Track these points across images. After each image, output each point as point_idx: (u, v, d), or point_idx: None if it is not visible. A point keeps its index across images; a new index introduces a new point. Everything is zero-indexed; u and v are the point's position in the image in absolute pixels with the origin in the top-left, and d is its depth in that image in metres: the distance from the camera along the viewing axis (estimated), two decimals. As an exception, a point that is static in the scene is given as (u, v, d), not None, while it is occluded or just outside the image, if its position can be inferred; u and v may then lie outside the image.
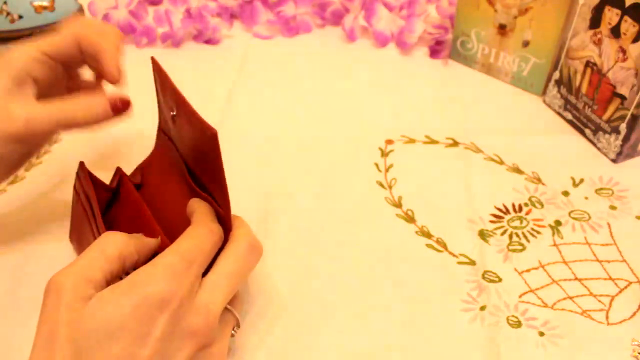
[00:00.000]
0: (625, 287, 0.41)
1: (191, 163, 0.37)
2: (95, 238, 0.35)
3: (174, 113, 0.36)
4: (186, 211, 0.35)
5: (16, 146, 0.38)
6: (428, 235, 0.45)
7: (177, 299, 0.28)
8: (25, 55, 0.39)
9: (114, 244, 0.30)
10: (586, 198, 0.48)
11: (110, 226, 0.38)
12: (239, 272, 0.32)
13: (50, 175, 0.51)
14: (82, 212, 0.39)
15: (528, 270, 0.42)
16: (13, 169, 0.41)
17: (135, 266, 0.31)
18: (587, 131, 0.54)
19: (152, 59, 0.40)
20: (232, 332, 0.33)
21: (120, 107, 0.39)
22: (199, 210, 0.34)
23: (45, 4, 0.66)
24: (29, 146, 0.41)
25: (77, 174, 0.41)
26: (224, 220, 0.34)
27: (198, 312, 0.29)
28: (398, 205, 0.48)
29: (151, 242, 0.33)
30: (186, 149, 0.37)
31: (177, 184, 0.39)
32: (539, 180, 0.50)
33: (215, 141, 0.32)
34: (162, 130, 0.43)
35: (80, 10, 0.71)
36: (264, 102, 0.60)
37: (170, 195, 0.40)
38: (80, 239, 0.41)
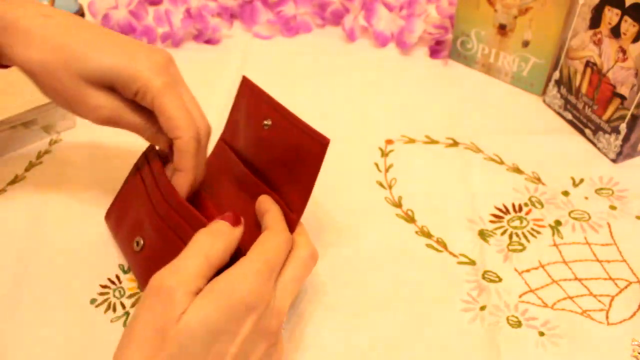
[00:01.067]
0: (625, 287, 0.41)
1: (269, 168, 0.40)
2: (159, 217, 0.39)
3: (269, 123, 0.40)
4: (255, 207, 0.39)
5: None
6: (428, 235, 0.45)
7: (263, 302, 0.31)
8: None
9: (214, 250, 0.32)
10: (586, 198, 0.48)
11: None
12: (302, 277, 0.35)
13: (50, 175, 0.51)
14: (143, 191, 0.42)
15: (528, 270, 0.42)
16: None
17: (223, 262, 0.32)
18: (587, 131, 0.54)
19: (244, 77, 0.45)
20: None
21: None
22: (274, 215, 0.37)
23: (44, 2, 0.66)
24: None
25: (145, 155, 0.44)
26: (292, 224, 0.38)
27: (273, 315, 0.32)
28: (398, 205, 0.48)
29: (236, 233, 0.33)
30: (269, 155, 0.40)
31: (231, 184, 0.43)
32: (539, 180, 0.50)
33: (325, 149, 0.37)
34: (223, 140, 0.46)
35: (80, 10, 0.71)
36: (264, 102, 0.60)
37: (226, 193, 0.43)
38: (124, 218, 0.43)
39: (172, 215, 0.38)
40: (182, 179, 0.39)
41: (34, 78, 0.39)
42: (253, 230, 0.39)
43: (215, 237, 0.32)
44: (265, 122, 0.40)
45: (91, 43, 0.38)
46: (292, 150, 0.39)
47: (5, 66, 0.41)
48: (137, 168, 0.44)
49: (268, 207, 0.38)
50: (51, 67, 0.38)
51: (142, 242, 0.40)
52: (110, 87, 0.39)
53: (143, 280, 0.40)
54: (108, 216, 0.46)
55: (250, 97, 0.43)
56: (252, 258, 0.32)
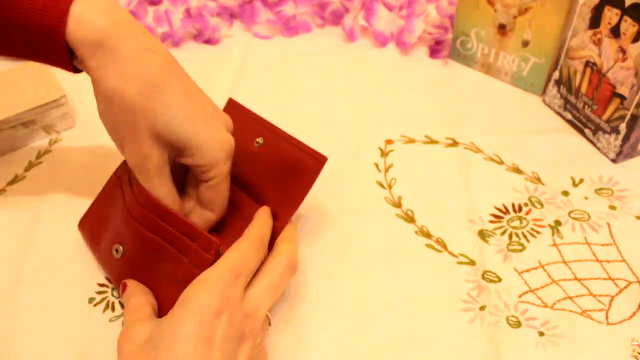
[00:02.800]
0: (625, 287, 0.41)
1: (259, 183, 0.43)
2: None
3: (261, 141, 0.43)
4: (238, 218, 0.42)
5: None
6: (428, 235, 0.45)
7: (229, 308, 0.32)
8: None
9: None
10: (586, 198, 0.48)
11: None
12: (276, 285, 0.36)
13: (50, 175, 0.51)
14: (122, 200, 0.42)
15: (528, 270, 0.42)
16: None
17: None
18: (587, 131, 0.54)
19: (230, 99, 0.48)
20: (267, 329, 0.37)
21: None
22: (252, 225, 0.38)
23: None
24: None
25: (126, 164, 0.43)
26: (276, 232, 0.40)
27: (247, 320, 0.33)
28: (398, 205, 0.48)
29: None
30: (260, 170, 0.43)
31: None
32: (539, 180, 0.50)
33: (322, 166, 0.40)
34: None
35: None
36: (263, 102, 0.60)
37: None
38: (102, 226, 0.43)
39: (154, 221, 0.38)
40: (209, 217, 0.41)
41: (105, 102, 0.37)
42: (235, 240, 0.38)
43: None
44: (257, 141, 0.43)
45: (179, 100, 0.37)
46: (287, 167, 0.41)
47: (79, 71, 0.40)
48: (117, 177, 0.44)
49: (256, 216, 0.39)
50: (130, 105, 0.36)
51: (121, 249, 0.40)
52: (173, 146, 0.38)
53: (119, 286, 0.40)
54: (82, 225, 0.45)
55: (238, 117, 0.45)
56: (217, 264, 0.34)
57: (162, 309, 0.36)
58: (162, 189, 0.38)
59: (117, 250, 0.40)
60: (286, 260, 0.37)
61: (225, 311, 0.32)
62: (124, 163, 0.44)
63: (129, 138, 0.37)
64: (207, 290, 0.32)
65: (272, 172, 0.42)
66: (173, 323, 0.31)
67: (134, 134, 0.37)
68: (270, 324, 0.37)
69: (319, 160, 0.40)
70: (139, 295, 0.36)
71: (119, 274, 0.40)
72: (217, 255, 0.35)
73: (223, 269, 0.33)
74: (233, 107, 0.47)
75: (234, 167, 0.42)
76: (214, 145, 0.38)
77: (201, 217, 0.41)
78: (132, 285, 0.37)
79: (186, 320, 0.31)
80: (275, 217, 0.40)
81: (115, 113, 0.37)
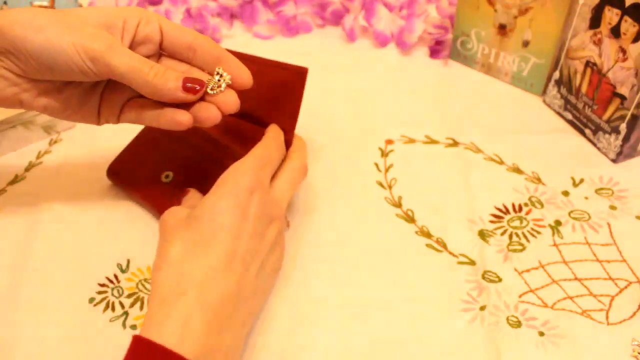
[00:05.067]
0: (625, 287, 0.41)
1: (251, 108, 0.45)
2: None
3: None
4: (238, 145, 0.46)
5: (88, 69, 0.36)
6: (428, 235, 0.45)
7: (261, 186, 0.37)
8: (141, 12, 0.39)
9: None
10: (586, 198, 0.48)
11: None
12: (294, 181, 0.42)
13: (50, 175, 0.51)
14: (168, 135, 0.48)
15: (528, 270, 0.42)
16: (69, 106, 0.40)
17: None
18: (587, 131, 0.54)
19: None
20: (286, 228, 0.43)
21: (190, 89, 0.37)
22: (272, 130, 0.43)
23: (45, 4, 0.66)
24: (94, 79, 0.39)
25: None
26: (287, 144, 0.45)
27: (274, 204, 0.39)
28: (398, 205, 0.48)
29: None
30: (247, 97, 0.44)
31: (215, 129, 0.48)
32: (539, 180, 0.50)
33: (305, 77, 0.43)
34: None
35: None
36: (264, 102, 0.60)
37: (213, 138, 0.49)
38: (143, 162, 0.49)
39: (207, 148, 0.47)
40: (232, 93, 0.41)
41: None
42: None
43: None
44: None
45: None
46: (272, 87, 0.45)
47: None
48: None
49: (270, 128, 0.43)
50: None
51: (171, 175, 0.47)
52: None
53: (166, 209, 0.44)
54: (114, 168, 0.49)
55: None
56: (247, 156, 0.39)
57: None
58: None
59: (166, 176, 0.47)
60: (299, 162, 0.43)
61: (257, 189, 0.37)
62: None
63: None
64: (240, 172, 0.37)
65: (262, 96, 0.45)
66: (213, 198, 0.36)
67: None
68: (288, 226, 0.44)
69: (301, 72, 0.44)
70: (194, 198, 0.42)
71: (165, 196, 0.45)
72: None
73: (252, 158, 0.38)
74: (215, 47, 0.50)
75: None
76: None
77: (228, 98, 0.40)
78: (193, 191, 0.43)
79: (224, 196, 0.36)
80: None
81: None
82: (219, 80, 0.39)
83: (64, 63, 0.36)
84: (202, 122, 0.39)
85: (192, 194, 0.43)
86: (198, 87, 0.37)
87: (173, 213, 0.37)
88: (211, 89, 0.38)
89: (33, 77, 0.38)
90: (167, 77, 0.37)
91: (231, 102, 0.39)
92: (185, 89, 0.37)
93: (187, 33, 0.39)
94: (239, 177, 0.37)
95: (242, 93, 0.46)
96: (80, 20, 0.37)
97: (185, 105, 0.39)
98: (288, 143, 0.45)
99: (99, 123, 0.42)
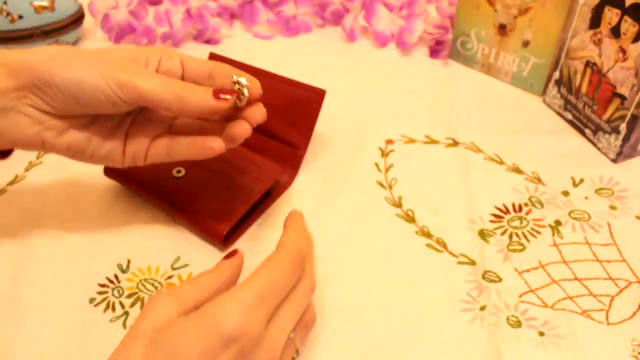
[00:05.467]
0: (625, 287, 0.41)
1: (270, 124, 0.46)
2: None
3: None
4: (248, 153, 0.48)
5: (116, 97, 0.36)
6: (428, 235, 0.45)
7: (245, 337, 0.28)
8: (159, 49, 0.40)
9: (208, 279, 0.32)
10: (586, 198, 0.48)
11: None
12: (299, 313, 0.32)
13: (50, 175, 0.51)
14: None
15: (528, 270, 0.42)
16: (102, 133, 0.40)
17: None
18: (587, 131, 0.54)
19: (211, 53, 0.53)
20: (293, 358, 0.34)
21: (222, 97, 0.37)
22: (287, 235, 0.34)
23: (45, 4, 0.66)
24: (127, 108, 0.38)
25: None
26: (298, 159, 0.49)
27: (263, 348, 0.29)
28: (398, 205, 0.48)
29: (234, 266, 0.34)
30: (269, 114, 0.46)
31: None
32: (539, 180, 0.50)
33: (322, 98, 0.48)
34: None
35: (80, 10, 0.71)
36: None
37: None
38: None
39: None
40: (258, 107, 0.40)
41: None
42: (243, 177, 0.46)
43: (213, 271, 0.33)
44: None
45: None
46: (289, 104, 0.48)
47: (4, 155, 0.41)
48: None
49: (290, 222, 0.36)
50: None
51: (183, 170, 0.47)
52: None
53: (179, 203, 0.45)
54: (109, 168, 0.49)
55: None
56: (241, 286, 0.30)
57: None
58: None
59: (178, 171, 0.47)
60: (309, 282, 0.33)
61: (238, 341, 0.28)
62: None
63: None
64: (226, 310, 0.28)
65: (277, 111, 0.47)
66: (181, 333, 0.28)
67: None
68: (298, 353, 0.34)
69: (319, 94, 0.48)
70: (221, 275, 0.32)
71: (177, 188, 0.46)
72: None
73: (250, 288, 0.29)
74: (217, 60, 0.51)
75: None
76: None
77: (253, 113, 0.40)
78: (229, 263, 0.34)
79: (192, 338, 0.28)
80: (294, 146, 0.49)
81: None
82: (240, 89, 0.39)
83: (92, 93, 0.36)
84: (234, 138, 0.38)
85: (206, 277, 0.32)
86: (229, 96, 0.37)
87: (159, 310, 0.30)
88: (239, 99, 0.39)
89: (59, 112, 0.37)
90: (196, 89, 0.37)
91: (259, 113, 0.39)
92: (217, 97, 0.37)
93: (206, 63, 0.40)
94: (223, 315, 0.28)
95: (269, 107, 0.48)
96: (105, 54, 0.37)
97: (214, 130, 0.40)
98: (299, 159, 0.49)
99: (123, 164, 0.40)
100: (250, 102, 0.40)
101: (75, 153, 0.39)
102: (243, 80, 0.39)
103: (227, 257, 0.34)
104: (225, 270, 0.33)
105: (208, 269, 0.34)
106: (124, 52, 0.38)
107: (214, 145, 0.38)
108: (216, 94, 0.37)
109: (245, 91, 0.38)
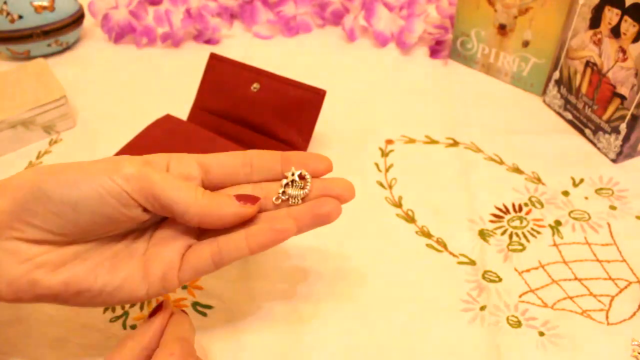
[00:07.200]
0: (625, 287, 0.41)
1: (266, 121, 0.49)
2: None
3: (257, 86, 0.50)
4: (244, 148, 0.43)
5: (123, 194, 0.29)
6: (428, 235, 0.45)
7: None
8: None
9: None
10: (586, 198, 0.48)
11: None
12: None
13: (50, 175, 0.51)
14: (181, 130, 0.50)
15: (528, 270, 0.42)
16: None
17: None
18: (587, 131, 0.54)
19: (212, 54, 0.53)
20: None
21: (247, 198, 0.32)
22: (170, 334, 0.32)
23: (45, 4, 0.66)
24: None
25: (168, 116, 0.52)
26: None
27: None
28: (398, 205, 0.48)
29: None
30: (263, 111, 0.49)
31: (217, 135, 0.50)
32: (539, 180, 0.50)
33: (322, 98, 0.48)
34: (198, 108, 0.54)
35: (80, 10, 0.71)
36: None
37: (219, 143, 0.49)
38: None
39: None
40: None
41: None
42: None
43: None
44: (254, 86, 0.50)
45: None
46: (290, 104, 0.48)
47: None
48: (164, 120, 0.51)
49: (171, 322, 0.33)
50: None
51: None
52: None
53: None
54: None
55: (226, 68, 0.52)
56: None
57: None
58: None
59: None
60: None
61: None
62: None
63: None
64: None
65: (277, 111, 0.48)
66: None
67: None
68: None
69: (319, 94, 0.48)
70: (141, 341, 0.32)
71: None
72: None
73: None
74: (217, 61, 0.53)
75: (238, 112, 0.50)
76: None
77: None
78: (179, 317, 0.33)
79: None
80: (294, 146, 0.49)
81: None
82: (303, 186, 0.32)
83: (96, 197, 0.28)
84: (323, 218, 0.32)
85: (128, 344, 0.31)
86: (253, 202, 0.31)
87: None
88: (293, 198, 0.32)
89: (53, 239, 0.29)
90: (215, 195, 0.31)
91: (343, 184, 0.33)
92: (240, 199, 0.31)
93: (235, 155, 0.33)
94: None
95: (259, 108, 0.49)
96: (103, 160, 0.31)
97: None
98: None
99: (148, 293, 0.31)
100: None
101: (79, 292, 0.30)
102: (306, 175, 0.32)
103: (152, 314, 0.33)
104: (145, 333, 0.32)
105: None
106: (125, 157, 0.31)
107: (287, 225, 0.31)
108: (240, 199, 0.31)
109: (308, 187, 0.32)
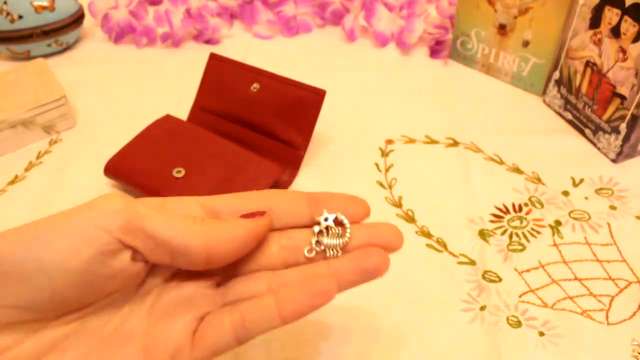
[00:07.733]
0: (625, 287, 0.41)
1: (266, 121, 0.50)
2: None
3: (257, 86, 0.50)
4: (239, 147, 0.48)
5: (111, 238, 0.23)
6: (428, 235, 0.45)
7: None
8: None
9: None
10: (586, 198, 0.48)
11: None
12: None
13: (50, 175, 0.51)
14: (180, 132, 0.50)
15: (528, 270, 0.42)
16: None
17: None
18: (587, 131, 0.54)
19: (212, 54, 0.53)
20: None
21: (252, 214, 0.26)
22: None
23: (45, 4, 0.66)
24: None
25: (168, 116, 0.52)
26: (298, 160, 0.49)
27: None
28: (398, 205, 0.48)
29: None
30: (263, 111, 0.49)
31: (217, 135, 0.50)
32: (539, 180, 0.50)
33: (322, 98, 0.48)
34: (198, 107, 0.54)
35: (80, 10, 0.71)
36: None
37: (217, 142, 0.50)
38: (148, 158, 0.48)
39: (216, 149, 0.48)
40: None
41: None
42: (242, 177, 0.46)
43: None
44: (254, 86, 0.50)
45: None
46: (290, 104, 0.48)
47: None
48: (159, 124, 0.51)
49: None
50: None
51: (183, 171, 0.46)
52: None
53: None
54: (112, 165, 0.48)
55: (226, 68, 0.52)
56: None
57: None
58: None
59: (178, 171, 0.46)
60: None
61: None
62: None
63: None
64: None
65: (277, 111, 0.49)
66: None
67: None
68: None
69: (319, 94, 0.48)
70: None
71: (176, 189, 0.45)
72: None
73: None
74: (217, 61, 0.53)
75: (238, 112, 0.51)
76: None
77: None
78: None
79: None
80: (294, 146, 0.49)
81: None
82: (341, 234, 0.27)
83: (67, 246, 0.23)
84: (371, 273, 0.26)
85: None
86: (259, 214, 0.26)
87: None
88: (330, 249, 0.26)
89: (28, 314, 0.23)
90: (217, 220, 0.26)
91: (390, 230, 0.27)
92: (247, 217, 0.26)
93: (249, 196, 0.28)
94: None
95: (259, 108, 0.49)
96: None
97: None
98: (299, 159, 0.49)
99: None
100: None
101: None
102: (344, 219, 0.27)
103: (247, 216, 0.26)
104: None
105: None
106: (104, 195, 0.26)
107: (328, 286, 0.25)
108: (247, 216, 0.26)
109: (347, 234, 0.27)
